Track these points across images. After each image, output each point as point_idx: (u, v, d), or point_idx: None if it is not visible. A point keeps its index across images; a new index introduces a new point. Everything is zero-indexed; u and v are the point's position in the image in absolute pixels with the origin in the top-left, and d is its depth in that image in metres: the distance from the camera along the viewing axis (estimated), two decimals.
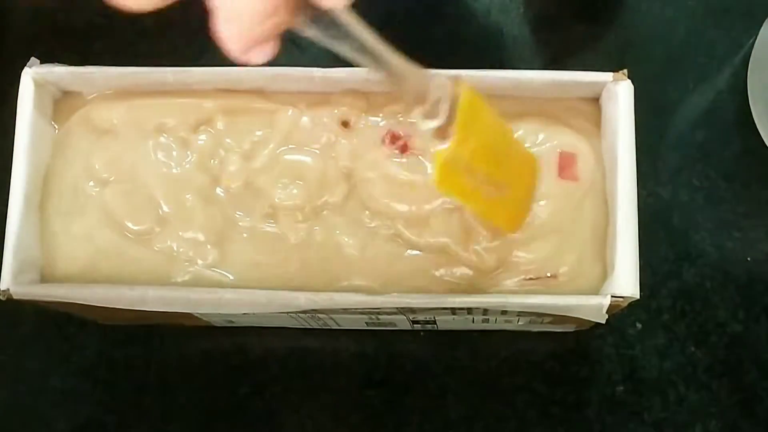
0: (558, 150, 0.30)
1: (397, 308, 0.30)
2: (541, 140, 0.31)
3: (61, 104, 0.32)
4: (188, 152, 0.31)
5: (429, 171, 0.30)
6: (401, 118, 0.31)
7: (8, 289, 0.29)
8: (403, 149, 0.31)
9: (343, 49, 0.22)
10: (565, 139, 0.31)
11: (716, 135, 0.39)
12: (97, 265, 0.31)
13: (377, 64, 0.23)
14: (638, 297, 0.28)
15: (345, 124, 0.31)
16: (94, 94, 0.32)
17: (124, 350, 0.37)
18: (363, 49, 0.22)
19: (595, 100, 0.31)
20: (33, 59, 0.31)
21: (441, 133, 0.24)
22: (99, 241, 0.31)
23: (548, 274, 0.30)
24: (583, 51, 0.40)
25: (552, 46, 0.40)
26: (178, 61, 0.31)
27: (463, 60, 0.40)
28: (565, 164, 0.30)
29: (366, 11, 0.42)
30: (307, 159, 0.31)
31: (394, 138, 0.31)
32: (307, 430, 0.36)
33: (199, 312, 0.31)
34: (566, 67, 0.31)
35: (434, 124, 0.24)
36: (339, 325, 0.35)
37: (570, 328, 0.36)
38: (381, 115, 0.31)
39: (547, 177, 0.30)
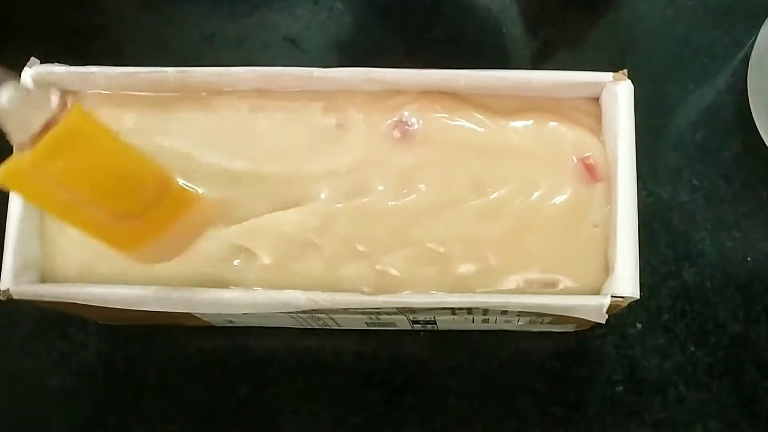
0: (580, 155, 0.30)
1: (397, 308, 0.30)
2: (555, 142, 0.31)
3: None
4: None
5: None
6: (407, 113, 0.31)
7: (8, 289, 0.29)
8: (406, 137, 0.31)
9: None
10: (581, 139, 0.31)
11: (716, 135, 0.39)
12: (97, 265, 0.31)
13: None
14: (638, 297, 0.28)
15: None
16: (94, 94, 0.32)
17: (124, 350, 0.37)
18: None
19: (596, 100, 0.31)
20: (33, 59, 0.31)
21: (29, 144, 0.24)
22: None
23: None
24: (583, 51, 0.40)
25: (552, 46, 0.40)
26: (178, 61, 0.31)
27: (463, 60, 0.40)
28: (589, 167, 0.30)
29: (365, 11, 0.42)
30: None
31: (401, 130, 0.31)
32: (307, 430, 0.36)
33: (199, 312, 0.31)
34: (566, 67, 0.31)
35: (17, 138, 0.23)
36: (339, 325, 0.35)
37: (570, 328, 0.36)
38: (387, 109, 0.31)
39: (577, 183, 0.30)
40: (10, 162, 0.24)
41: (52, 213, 0.27)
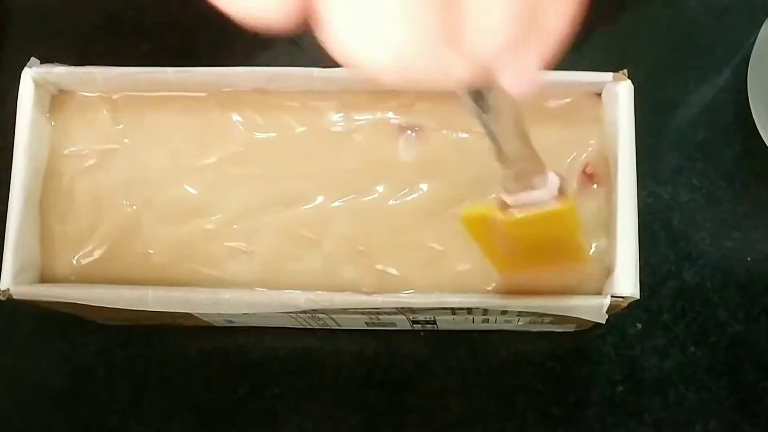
0: (580, 155, 0.30)
1: (397, 308, 0.30)
2: (555, 141, 0.31)
3: (60, 103, 0.32)
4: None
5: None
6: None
7: (8, 289, 0.29)
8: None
9: (479, 118, 0.22)
10: (581, 139, 0.31)
11: (716, 135, 0.39)
12: (97, 264, 0.31)
13: (501, 144, 0.23)
14: (638, 297, 0.28)
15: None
16: (94, 94, 0.32)
17: (124, 350, 0.37)
18: (494, 126, 0.22)
19: (596, 100, 0.31)
20: (33, 59, 0.31)
21: (502, 205, 0.25)
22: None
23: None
24: (582, 51, 0.40)
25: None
26: (179, 61, 0.31)
27: None
28: (589, 167, 0.30)
29: None
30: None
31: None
32: (307, 430, 0.37)
33: (199, 312, 0.31)
34: (566, 67, 0.31)
35: (516, 199, 0.25)
36: (339, 325, 0.35)
37: (570, 328, 0.36)
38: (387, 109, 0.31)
39: (577, 182, 0.30)
40: (479, 211, 0.26)
41: (482, 248, 0.28)
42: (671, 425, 0.36)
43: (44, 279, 0.31)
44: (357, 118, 0.31)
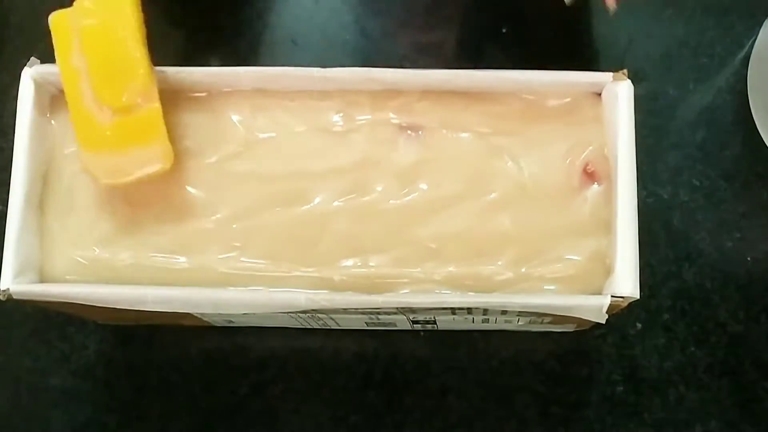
0: (580, 155, 0.30)
1: (397, 308, 0.30)
2: (555, 141, 0.31)
3: (60, 104, 0.32)
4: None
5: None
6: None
7: (8, 289, 0.29)
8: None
9: None
10: (580, 139, 0.31)
11: (716, 135, 0.39)
12: (97, 264, 0.31)
13: None
14: (638, 297, 0.28)
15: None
16: None
17: (124, 350, 0.37)
18: None
19: (596, 100, 0.31)
20: (33, 59, 0.31)
21: None
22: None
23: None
24: (582, 51, 0.40)
25: (552, 46, 0.40)
26: (179, 61, 0.31)
27: (463, 60, 0.40)
28: (589, 168, 0.30)
29: (365, 11, 0.42)
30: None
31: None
32: (307, 430, 0.37)
33: (199, 312, 0.31)
34: (566, 67, 0.31)
35: None
36: (339, 325, 0.35)
37: (570, 328, 0.36)
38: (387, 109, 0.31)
39: (577, 183, 0.30)
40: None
41: (63, 74, 0.29)
42: (671, 425, 0.36)
43: (44, 279, 0.31)
44: (357, 118, 0.31)
